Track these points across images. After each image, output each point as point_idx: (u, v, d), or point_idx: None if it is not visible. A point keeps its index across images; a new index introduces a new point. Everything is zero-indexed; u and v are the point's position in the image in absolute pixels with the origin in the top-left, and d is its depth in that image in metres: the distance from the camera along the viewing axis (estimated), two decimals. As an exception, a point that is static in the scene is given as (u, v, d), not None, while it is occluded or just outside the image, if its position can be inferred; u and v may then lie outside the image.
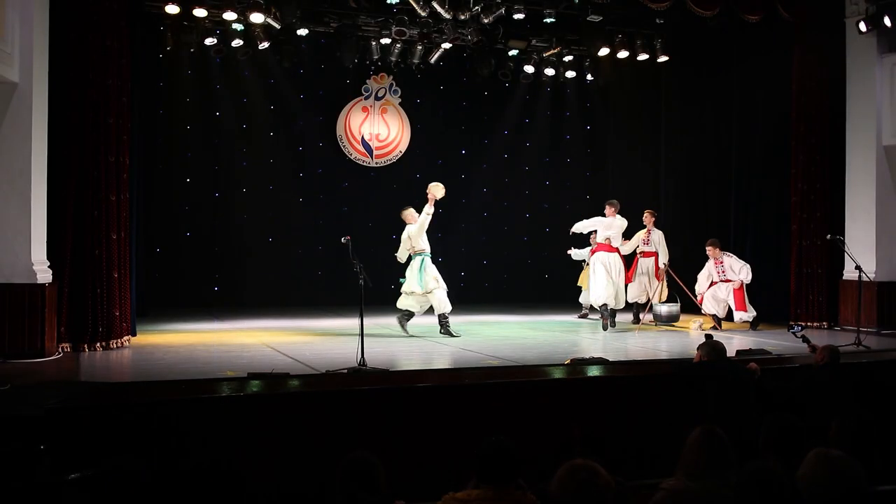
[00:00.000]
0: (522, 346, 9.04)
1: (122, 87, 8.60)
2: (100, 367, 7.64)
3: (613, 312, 10.81)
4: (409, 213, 10.12)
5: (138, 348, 8.57)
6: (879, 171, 10.82)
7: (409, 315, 10.04)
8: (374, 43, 12.71)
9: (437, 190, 9.83)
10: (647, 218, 11.84)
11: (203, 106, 13.47)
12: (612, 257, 10.82)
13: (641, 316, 11.70)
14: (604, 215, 11.00)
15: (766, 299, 11.60)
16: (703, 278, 11.25)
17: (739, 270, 10.94)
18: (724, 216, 12.45)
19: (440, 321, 9.90)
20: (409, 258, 10.15)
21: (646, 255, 11.90)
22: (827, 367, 6.17)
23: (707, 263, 11.24)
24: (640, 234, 11.85)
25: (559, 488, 2.94)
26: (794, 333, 7.26)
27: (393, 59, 13.18)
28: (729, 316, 11.14)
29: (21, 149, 7.82)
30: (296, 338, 9.72)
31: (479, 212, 15.25)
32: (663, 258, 11.65)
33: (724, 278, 11.07)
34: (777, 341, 9.17)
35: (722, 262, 11.14)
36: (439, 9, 11.21)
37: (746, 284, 10.89)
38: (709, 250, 11.17)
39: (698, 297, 11.23)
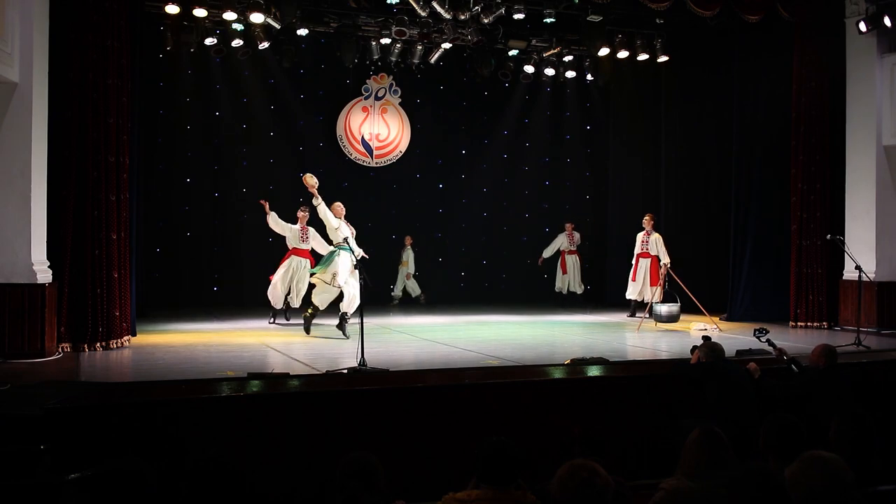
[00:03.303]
0: (522, 346, 9.04)
1: (122, 87, 8.59)
2: (100, 367, 7.63)
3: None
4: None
5: (138, 348, 8.57)
6: (879, 171, 10.81)
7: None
8: (374, 43, 12.72)
9: None
10: (647, 221, 12.20)
11: (203, 106, 13.47)
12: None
13: (639, 314, 11.97)
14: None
15: (766, 299, 11.62)
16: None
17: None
18: (724, 216, 12.44)
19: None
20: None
21: (644, 255, 12.16)
22: (826, 368, 6.16)
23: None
24: (640, 236, 12.27)
25: (559, 488, 2.94)
26: (758, 338, 7.03)
27: (393, 59, 13.18)
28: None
29: (21, 149, 7.81)
30: (296, 338, 9.72)
31: (479, 212, 15.24)
32: (664, 259, 11.77)
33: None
34: (776, 341, 9.14)
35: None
36: (439, 9, 11.20)
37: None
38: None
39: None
